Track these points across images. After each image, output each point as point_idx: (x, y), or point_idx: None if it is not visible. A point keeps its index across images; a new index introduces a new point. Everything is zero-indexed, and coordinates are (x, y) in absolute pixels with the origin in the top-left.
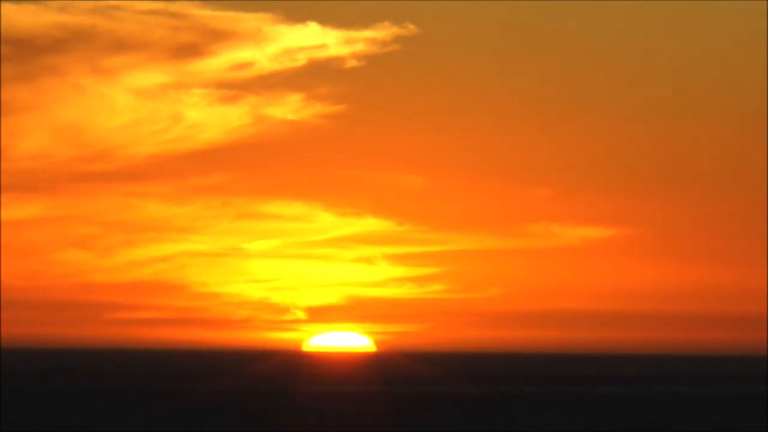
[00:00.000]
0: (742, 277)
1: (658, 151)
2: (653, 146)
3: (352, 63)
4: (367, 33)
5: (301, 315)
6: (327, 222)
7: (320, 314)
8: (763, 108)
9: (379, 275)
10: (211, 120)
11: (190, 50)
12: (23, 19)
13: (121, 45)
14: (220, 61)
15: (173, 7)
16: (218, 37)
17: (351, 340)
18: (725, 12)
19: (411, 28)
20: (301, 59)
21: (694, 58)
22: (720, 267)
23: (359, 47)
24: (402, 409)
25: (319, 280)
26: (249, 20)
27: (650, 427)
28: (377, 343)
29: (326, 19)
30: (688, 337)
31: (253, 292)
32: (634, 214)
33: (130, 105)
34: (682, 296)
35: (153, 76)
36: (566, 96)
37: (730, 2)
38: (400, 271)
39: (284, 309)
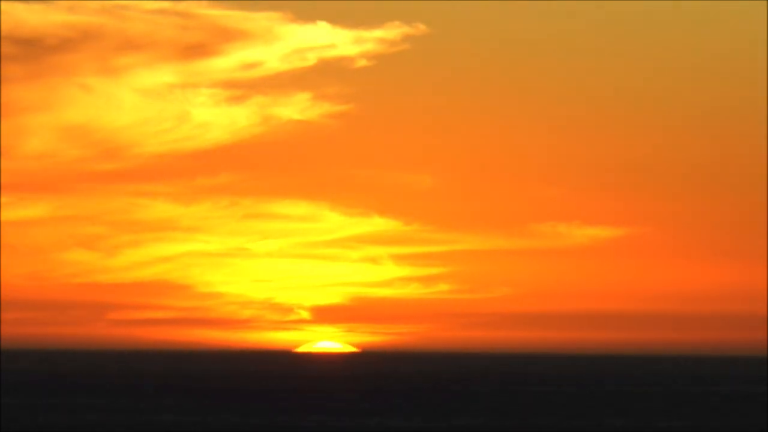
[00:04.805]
0: (750, 276)
1: (665, 151)
2: (660, 147)
3: (362, 62)
4: (377, 32)
5: (305, 315)
6: (334, 222)
7: (325, 314)
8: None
9: (385, 275)
10: (217, 120)
11: (198, 50)
12: (31, 18)
13: (128, 44)
14: (228, 61)
15: (181, 6)
16: (227, 36)
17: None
18: (725, 12)
19: (421, 28)
20: (311, 59)
21: (700, 60)
22: (728, 267)
23: (369, 46)
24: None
25: (324, 280)
26: (258, 19)
27: (651, 427)
28: (381, 343)
29: (336, 19)
30: (695, 337)
31: (258, 292)
32: (641, 214)
33: (137, 104)
34: (690, 297)
35: (160, 75)
36: (574, 96)
37: (730, 2)
38: (406, 270)
39: (288, 309)
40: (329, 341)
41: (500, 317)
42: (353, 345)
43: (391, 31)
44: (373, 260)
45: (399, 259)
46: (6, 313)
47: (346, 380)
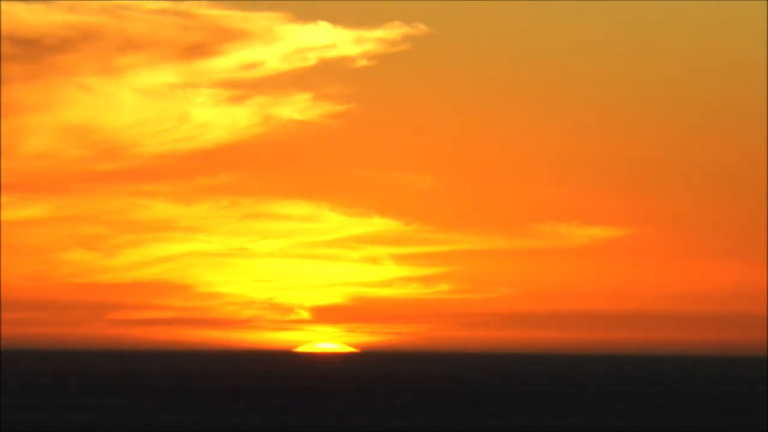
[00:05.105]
0: (750, 276)
1: (665, 151)
2: (660, 147)
3: (363, 62)
4: (378, 32)
5: (305, 315)
6: (334, 222)
7: (325, 314)
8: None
9: (385, 275)
10: (218, 120)
11: (198, 50)
12: (31, 18)
13: (129, 44)
14: (228, 61)
15: (182, 6)
16: (227, 36)
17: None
18: (725, 12)
19: (421, 28)
20: (312, 59)
21: (700, 60)
22: (728, 267)
23: (369, 46)
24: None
25: (324, 280)
26: (259, 19)
27: (651, 427)
28: (381, 343)
29: (337, 19)
30: (695, 337)
31: (258, 292)
32: (641, 214)
33: (137, 104)
34: (690, 297)
35: (161, 75)
36: (574, 96)
37: (730, 2)
38: (406, 270)
39: (289, 309)
40: (329, 341)
41: (500, 317)
42: (353, 345)
43: (391, 31)
44: (374, 260)
45: (399, 259)
46: (6, 313)
47: (346, 380)
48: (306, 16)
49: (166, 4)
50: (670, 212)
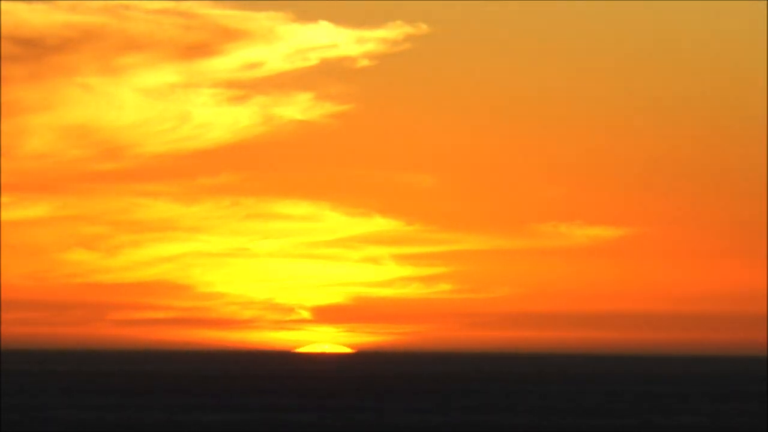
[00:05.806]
0: (750, 276)
1: (666, 151)
2: (662, 146)
3: (364, 62)
4: (379, 32)
5: (306, 315)
6: (335, 222)
7: (326, 314)
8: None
9: (386, 275)
10: (219, 119)
11: (200, 49)
12: (32, 18)
13: (130, 44)
14: (230, 61)
15: (183, 6)
16: (229, 36)
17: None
18: (725, 12)
19: (423, 28)
20: (313, 59)
21: (701, 60)
22: (728, 267)
23: (371, 46)
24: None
25: (325, 280)
26: (260, 19)
27: (651, 427)
28: (382, 343)
29: (338, 18)
30: (695, 337)
31: (259, 292)
32: (642, 214)
33: (139, 104)
34: (690, 297)
35: (162, 75)
36: (575, 96)
37: (730, 2)
38: (407, 270)
39: (289, 309)
40: (330, 341)
41: (501, 317)
42: (354, 345)
43: (393, 31)
44: (375, 260)
45: (400, 259)
46: (6, 313)
47: (346, 380)
48: (307, 16)
49: (168, 4)
50: (670, 212)
